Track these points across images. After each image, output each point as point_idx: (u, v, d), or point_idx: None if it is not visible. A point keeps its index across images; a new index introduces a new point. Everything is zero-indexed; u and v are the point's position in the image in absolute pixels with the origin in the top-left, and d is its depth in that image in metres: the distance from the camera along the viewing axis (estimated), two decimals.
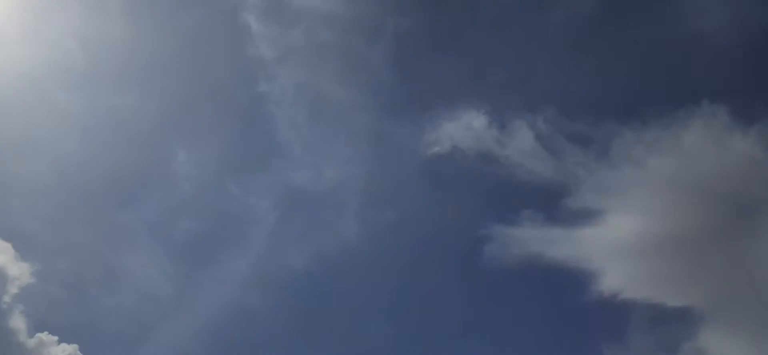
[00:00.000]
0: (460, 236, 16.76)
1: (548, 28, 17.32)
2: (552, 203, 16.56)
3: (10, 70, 16.33)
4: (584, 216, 14.96)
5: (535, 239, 15.14)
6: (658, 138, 14.65)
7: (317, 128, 18.06)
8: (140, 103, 17.37)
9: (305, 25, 17.63)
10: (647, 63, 16.30)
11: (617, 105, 16.25)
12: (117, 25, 16.98)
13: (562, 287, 15.57)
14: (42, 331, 12.68)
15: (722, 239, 13.93)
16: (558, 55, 17.33)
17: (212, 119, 18.92)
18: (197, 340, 15.18)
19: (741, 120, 14.54)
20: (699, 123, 14.21)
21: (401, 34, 18.71)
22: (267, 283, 17.09)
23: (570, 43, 17.07)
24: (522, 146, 15.97)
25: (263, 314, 16.42)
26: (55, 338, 12.74)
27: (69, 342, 12.81)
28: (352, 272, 16.85)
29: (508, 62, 17.83)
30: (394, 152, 17.78)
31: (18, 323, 12.41)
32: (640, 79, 16.39)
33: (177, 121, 17.98)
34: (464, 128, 16.50)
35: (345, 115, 18.14)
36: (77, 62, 16.77)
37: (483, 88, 17.87)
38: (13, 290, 12.48)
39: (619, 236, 14.55)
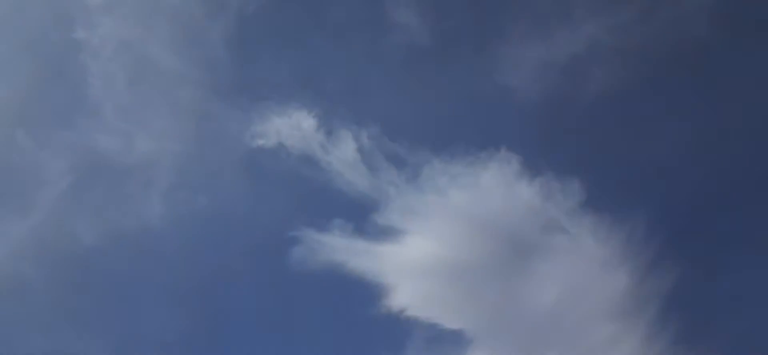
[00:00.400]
0: (271, 234, 16.76)
1: (387, 52, 18.04)
2: (362, 216, 17.33)
3: None
4: (388, 233, 15.93)
5: (341, 248, 15.73)
6: (461, 173, 16.11)
7: (136, 93, 16.69)
8: None
9: None
10: (463, 104, 17.80)
11: (432, 136, 17.52)
12: None
13: (358, 298, 16.38)
14: None
15: (497, 272, 15.79)
16: (391, 79, 18.13)
17: (11, 56, 16.66)
18: None
19: (529, 171, 16.59)
20: (495, 166, 15.91)
21: (245, 17, 18.10)
22: (47, 253, 15.44)
23: (403, 71, 17.97)
24: (344, 156, 16.47)
25: (37, 287, 14.78)
26: None
27: None
28: (149, 254, 15.89)
29: (346, 74, 18.23)
30: (217, 136, 17.17)
31: None
32: (454, 117, 17.84)
33: None
34: (293, 126, 16.53)
35: (170, 85, 17.05)
36: None
37: (317, 92, 18.02)
38: None
39: (414, 256, 15.73)
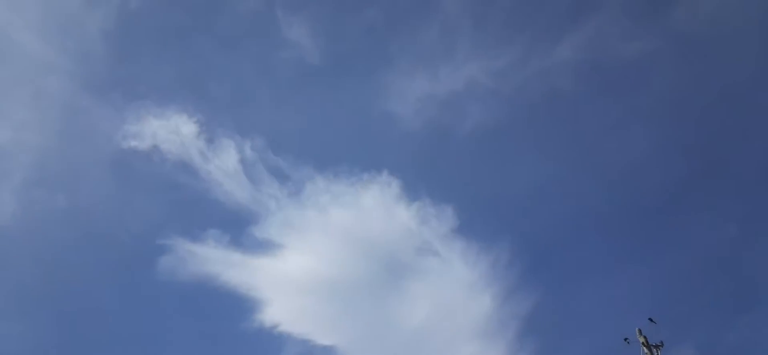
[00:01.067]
0: (138, 241, 15.76)
1: (277, 65, 18.03)
2: (239, 228, 16.91)
3: None
4: (265, 246, 15.66)
5: (216, 260, 15.18)
6: (343, 192, 16.37)
7: None
8: None
9: None
10: (349, 126, 18.21)
11: (317, 154, 17.68)
12: None
13: (230, 311, 15.84)
14: None
15: (372, 291, 16.13)
16: (279, 92, 18.12)
17: None
18: None
19: (407, 195, 17.30)
20: (377, 188, 16.38)
21: (128, 11, 17.20)
22: None
23: (292, 86, 18.04)
24: (225, 165, 16.03)
25: None
26: None
27: None
28: None
29: (232, 82, 17.90)
30: (85, 132, 15.95)
31: None
32: (340, 138, 18.19)
33: None
34: (171, 130, 15.78)
35: (36, 72, 15.64)
36: None
37: (200, 97, 17.46)
38: None
39: (290, 272, 15.61)
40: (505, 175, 18.01)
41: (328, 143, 18.54)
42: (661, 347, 4.68)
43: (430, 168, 18.76)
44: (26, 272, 14.59)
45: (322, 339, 15.11)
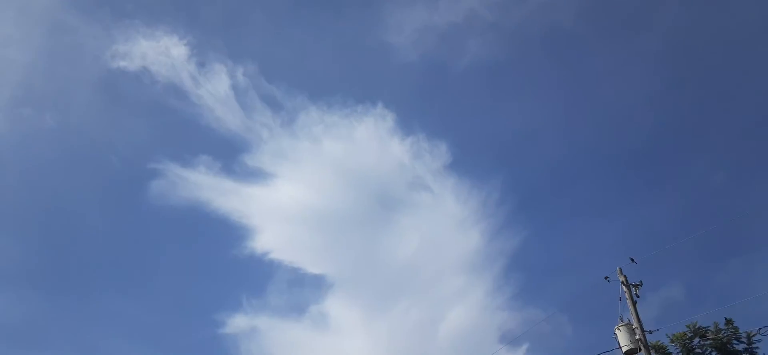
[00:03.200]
0: (128, 164, 15.64)
1: None
2: (231, 155, 16.76)
3: None
4: (257, 175, 15.54)
5: (207, 186, 15.08)
6: (337, 123, 16.12)
7: None
8: None
9: None
10: (344, 56, 17.75)
11: (311, 83, 17.34)
12: None
13: (221, 238, 15.92)
14: None
15: (362, 223, 16.15)
16: (273, 19, 17.57)
17: None
18: None
19: (401, 129, 17.08)
20: (371, 121, 16.12)
21: None
22: None
23: (287, 13, 17.48)
24: (216, 91, 15.69)
25: None
26: None
27: None
28: None
29: (224, 4, 17.31)
30: (72, 51, 15.51)
31: None
32: (335, 68, 17.78)
33: None
34: (160, 52, 15.29)
35: None
36: None
37: (192, 19, 16.94)
38: None
39: (282, 201, 15.56)
40: (501, 114, 17.73)
41: (323, 72, 18.15)
42: (639, 286, 4.63)
43: (425, 102, 18.46)
44: (13, 188, 14.52)
45: (313, 268, 15.26)
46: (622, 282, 4.65)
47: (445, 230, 16.21)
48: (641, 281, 4.62)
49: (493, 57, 17.84)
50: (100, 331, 14.31)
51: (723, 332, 5.21)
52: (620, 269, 4.71)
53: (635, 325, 4.49)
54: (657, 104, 15.99)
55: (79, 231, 15.03)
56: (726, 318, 5.26)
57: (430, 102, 18.28)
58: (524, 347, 11.56)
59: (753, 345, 5.17)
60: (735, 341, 5.21)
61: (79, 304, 14.60)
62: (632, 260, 4.74)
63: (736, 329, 5.20)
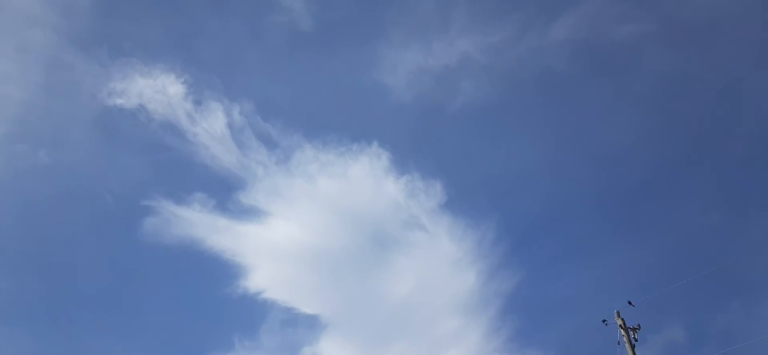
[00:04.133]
0: (122, 201, 15.58)
1: (268, 30, 17.71)
2: (225, 193, 16.75)
3: None
4: (251, 213, 15.53)
5: (201, 224, 15.05)
6: (332, 162, 16.22)
7: None
8: None
9: None
10: (340, 95, 17.97)
11: (307, 121, 17.49)
12: None
13: (214, 276, 15.79)
14: None
15: (357, 262, 16.10)
16: (269, 57, 17.84)
17: None
18: None
19: (397, 168, 17.18)
20: (366, 160, 16.23)
21: None
22: None
23: (283, 52, 17.75)
24: (212, 129, 15.81)
25: None
26: None
27: None
28: None
29: (221, 43, 17.58)
30: (69, 88, 15.63)
31: None
32: (330, 106, 17.98)
33: None
34: (157, 90, 15.46)
35: (20, 25, 15.25)
36: None
37: (189, 58, 17.18)
38: None
39: (276, 239, 15.52)
40: (495, 154, 17.93)
41: (318, 111, 18.34)
42: (638, 330, 4.65)
43: (420, 142, 18.64)
44: (6, 225, 14.41)
45: (307, 308, 15.12)
46: (620, 326, 4.67)
47: (441, 270, 16.19)
48: (639, 325, 4.64)
49: (486, 98, 18.13)
50: None
51: None
52: (618, 313, 4.73)
53: None
54: (649, 144, 16.25)
55: (72, 269, 14.88)
56: None
57: (424, 142, 18.48)
58: None
59: None
60: None
61: (70, 344, 14.35)
62: (630, 304, 4.77)
63: None
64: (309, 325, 15.18)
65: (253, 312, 15.18)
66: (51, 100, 15.29)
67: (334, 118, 17.96)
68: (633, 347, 4.62)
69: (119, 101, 14.89)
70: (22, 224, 14.64)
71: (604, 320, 4.84)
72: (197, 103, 15.65)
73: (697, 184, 15.53)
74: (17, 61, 15.00)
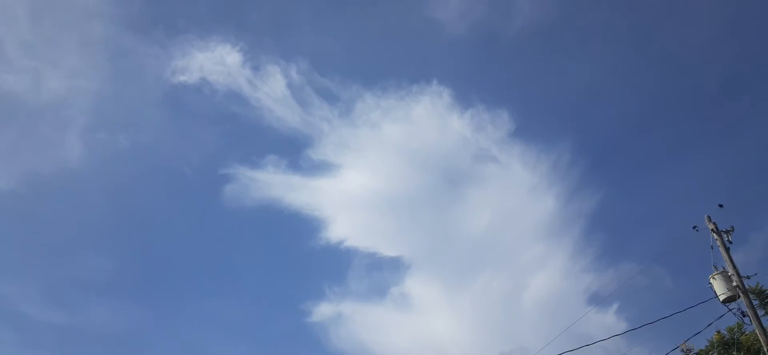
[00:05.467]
0: (200, 173, 16.37)
1: None
2: (295, 152, 17.18)
3: None
4: (323, 168, 15.86)
5: (276, 184, 15.56)
6: (394, 107, 16.16)
7: (41, 28, 15.57)
8: None
9: None
10: (392, 39, 17.71)
11: (363, 71, 17.46)
12: None
13: (296, 232, 16.42)
14: None
15: (431, 201, 16.16)
16: (317, 12, 17.76)
17: None
18: None
19: (460, 104, 16.88)
20: (427, 99, 16.04)
21: None
22: None
23: (329, 4, 17.60)
24: (273, 92, 16.10)
25: None
26: None
27: None
28: (71, 196, 15.23)
29: (270, 6, 17.66)
30: (134, 73, 16.35)
31: None
32: (384, 52, 17.78)
33: None
34: (216, 62, 15.84)
35: (78, 19, 15.97)
36: None
37: (241, 26, 17.42)
38: None
39: (350, 190, 15.81)
40: (561, 73, 17.18)
41: (373, 58, 18.22)
42: (731, 232, 4.40)
43: (480, 73, 18.15)
44: (99, 208, 15.53)
45: (388, 251, 15.47)
46: (712, 230, 4.42)
47: (517, 199, 15.98)
48: (733, 227, 4.37)
49: (545, 16, 17.27)
50: (196, 331, 15.19)
51: None
52: (709, 217, 4.48)
53: (731, 272, 4.27)
54: (727, 40, 15.00)
55: (164, 241, 15.91)
56: None
57: (485, 72, 17.98)
58: (615, 306, 11.28)
59: None
60: None
61: (174, 308, 15.53)
62: (720, 206, 4.50)
63: None
64: (393, 267, 15.57)
65: (338, 260, 15.72)
66: (120, 86, 16.09)
67: (390, 62, 17.81)
68: (727, 249, 4.39)
69: (182, 78, 15.45)
70: (114, 206, 15.73)
71: (694, 227, 4.60)
72: (255, 68, 15.95)
73: None
74: (83, 55, 15.81)
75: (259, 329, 15.80)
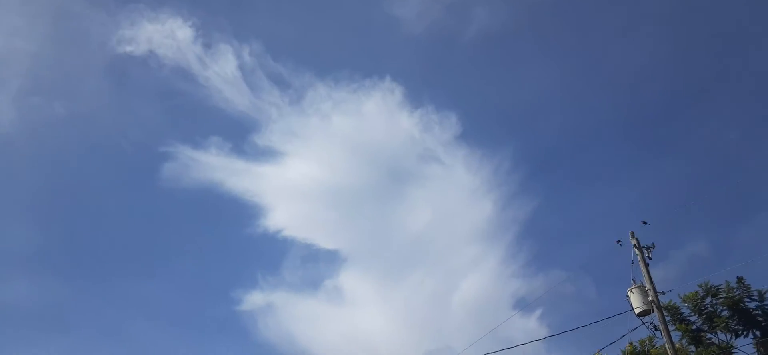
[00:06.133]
0: (139, 148, 15.82)
1: None
2: (241, 135, 16.89)
3: None
4: (268, 154, 15.68)
5: (218, 167, 15.26)
6: (345, 99, 16.16)
7: None
8: None
9: None
10: (350, 30, 17.68)
11: (318, 60, 17.35)
12: None
13: (234, 217, 16.15)
14: None
15: (374, 197, 16.27)
16: None
17: None
18: None
19: (410, 102, 17.07)
20: (379, 95, 16.13)
21: None
22: None
23: None
24: (223, 72, 15.78)
25: None
26: None
27: None
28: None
29: None
30: (78, 38, 15.62)
31: None
32: (341, 43, 17.74)
33: None
34: (166, 35, 15.35)
35: None
36: None
37: (195, 1, 16.96)
38: None
39: (293, 179, 15.70)
40: (510, 82, 17.66)
41: (329, 48, 18.13)
42: (652, 249, 4.69)
43: (433, 74, 18.41)
44: (28, 177, 14.75)
45: (326, 243, 15.45)
46: (635, 245, 4.69)
47: (457, 201, 16.31)
48: (653, 244, 4.65)
49: (500, 24, 17.69)
50: (120, 312, 14.68)
51: (735, 290, 5.26)
52: (632, 233, 4.75)
53: (648, 287, 4.54)
54: (667, 66, 15.85)
55: (94, 217, 15.29)
56: (738, 277, 5.31)
57: (438, 73, 18.25)
58: (538, 312, 11.69)
59: (765, 303, 5.22)
60: (747, 300, 5.26)
61: (99, 287, 14.95)
62: (644, 223, 4.78)
63: (747, 287, 5.24)
64: (329, 259, 15.56)
65: (274, 250, 15.57)
66: (61, 51, 15.32)
67: (346, 54, 17.78)
68: (647, 265, 4.67)
69: (129, 48, 14.87)
70: (43, 175, 14.98)
71: (618, 241, 4.88)
72: (206, 46, 15.55)
73: (715, 103, 15.22)
74: (23, 14, 14.97)
75: (186, 315, 15.46)
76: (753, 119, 14.19)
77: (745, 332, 5.30)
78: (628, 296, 4.67)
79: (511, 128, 17.47)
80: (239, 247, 16.28)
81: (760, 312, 5.26)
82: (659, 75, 15.92)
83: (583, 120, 17.05)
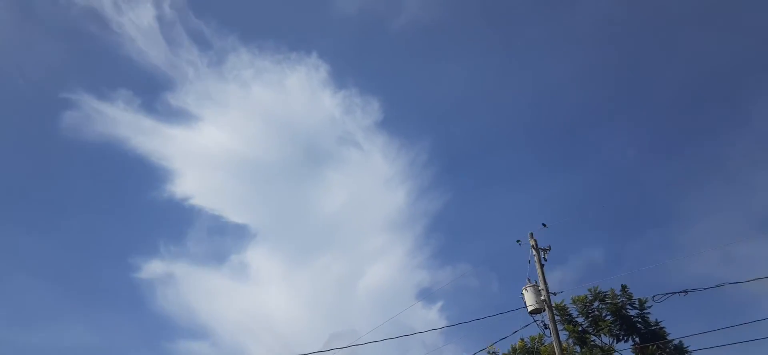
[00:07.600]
0: (38, 89, 14.59)
1: None
2: (152, 92, 16.00)
3: None
4: (180, 116, 14.97)
5: (125, 123, 14.38)
6: (268, 69, 15.71)
7: None
8: None
9: None
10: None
11: (243, 23, 16.71)
12: None
13: (138, 178, 15.28)
14: None
15: (289, 174, 16.00)
16: None
17: None
18: None
19: (335, 82, 16.88)
20: (303, 70, 15.82)
21: None
22: None
23: None
24: (140, 21, 14.85)
25: None
26: None
27: None
28: None
29: None
30: None
31: None
32: (270, 10, 17.20)
33: None
34: None
35: None
36: None
37: None
38: None
39: (206, 146, 15.10)
40: (435, 75, 17.88)
41: (257, 13, 17.52)
42: (548, 251, 4.86)
43: (360, 57, 18.29)
44: None
45: (235, 217, 15.02)
46: (532, 246, 4.83)
47: (372, 188, 16.36)
48: (550, 246, 4.82)
49: (431, 18, 17.84)
50: (1, 265, 13.52)
51: (619, 297, 5.57)
52: (531, 234, 4.89)
53: (541, 287, 4.69)
54: (579, 84, 16.67)
55: None
56: (622, 285, 5.65)
57: (365, 57, 18.14)
58: (439, 304, 11.96)
59: (644, 311, 5.58)
60: (629, 307, 5.60)
61: None
62: (544, 225, 4.93)
63: (630, 295, 5.58)
64: (237, 234, 15.13)
65: (179, 218, 14.92)
66: None
67: (274, 23, 17.25)
68: (542, 266, 4.84)
69: None
70: None
71: (518, 241, 5.01)
72: None
73: (620, 122, 16.21)
74: None
75: (76, 275, 14.51)
76: (649, 142, 15.26)
77: (625, 338, 5.66)
78: (522, 294, 4.82)
79: (431, 122, 17.75)
80: (141, 211, 15.46)
81: (640, 320, 5.62)
82: (571, 91, 16.76)
83: (497, 123, 17.63)
